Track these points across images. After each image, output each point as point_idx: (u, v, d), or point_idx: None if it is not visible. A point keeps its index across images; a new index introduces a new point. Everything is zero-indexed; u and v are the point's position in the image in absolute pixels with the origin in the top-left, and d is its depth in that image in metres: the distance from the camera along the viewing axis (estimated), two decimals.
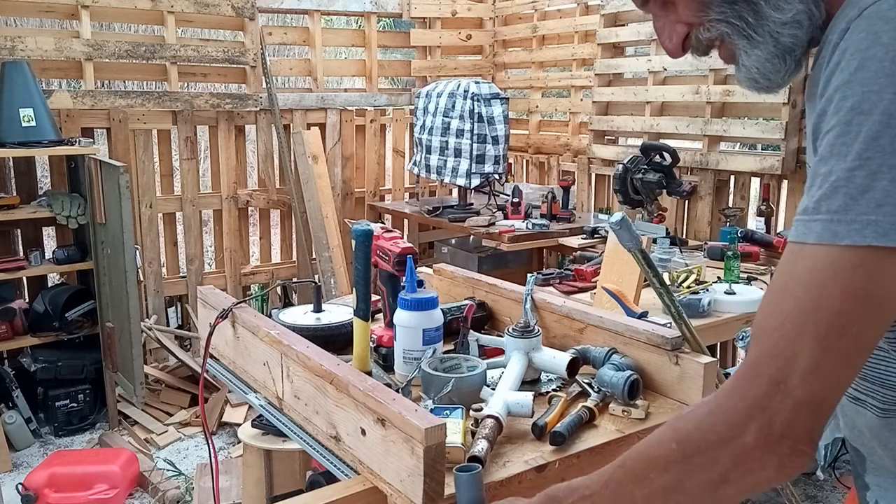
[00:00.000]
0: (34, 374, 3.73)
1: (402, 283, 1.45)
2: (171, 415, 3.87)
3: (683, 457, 0.80)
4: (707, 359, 1.28)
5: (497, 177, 4.29)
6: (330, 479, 1.28)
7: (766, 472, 0.77)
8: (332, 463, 1.22)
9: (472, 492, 0.97)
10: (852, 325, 0.74)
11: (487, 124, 4.17)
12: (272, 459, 2.41)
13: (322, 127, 4.82)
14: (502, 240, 3.83)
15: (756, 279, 2.98)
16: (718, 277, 2.85)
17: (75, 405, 3.76)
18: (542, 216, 4.06)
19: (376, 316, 1.59)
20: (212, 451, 1.55)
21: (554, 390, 1.36)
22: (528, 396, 1.20)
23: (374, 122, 5.05)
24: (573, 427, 1.18)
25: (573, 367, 1.34)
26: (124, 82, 6.73)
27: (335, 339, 1.55)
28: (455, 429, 1.11)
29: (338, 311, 1.68)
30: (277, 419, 1.40)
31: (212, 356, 1.63)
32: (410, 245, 1.49)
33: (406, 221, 5.21)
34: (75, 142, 3.71)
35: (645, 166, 3.40)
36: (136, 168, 4.23)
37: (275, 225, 5.08)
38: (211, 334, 1.54)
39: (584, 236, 3.81)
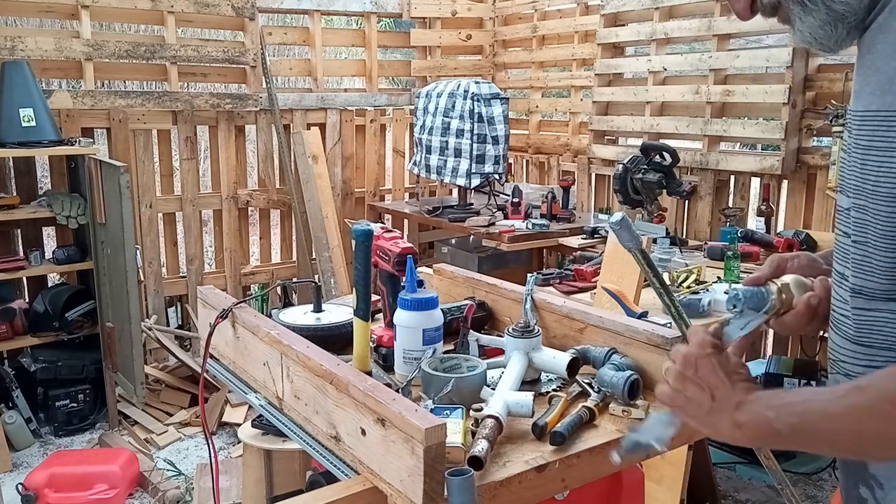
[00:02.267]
0: (34, 374, 3.73)
1: (402, 283, 1.45)
2: (171, 415, 3.87)
3: None
4: None
5: (497, 177, 4.29)
6: (330, 479, 1.28)
7: None
8: (332, 463, 1.22)
9: (465, 495, 0.98)
10: None
11: (487, 124, 4.17)
12: (272, 459, 2.41)
13: (322, 127, 4.82)
14: (502, 240, 3.83)
15: None
16: (718, 277, 2.85)
17: (75, 405, 3.76)
18: (542, 216, 4.06)
19: (376, 316, 1.59)
20: (212, 451, 1.55)
21: (554, 390, 1.36)
22: (528, 396, 1.20)
23: (374, 122, 5.05)
24: (573, 427, 1.18)
25: (573, 367, 1.34)
26: (124, 82, 6.73)
27: (335, 339, 1.55)
28: (455, 429, 1.11)
29: (338, 311, 1.68)
30: (277, 419, 1.40)
31: (212, 356, 1.63)
32: (410, 245, 1.49)
33: (406, 221, 5.21)
34: (75, 142, 3.71)
35: (645, 166, 3.40)
36: (136, 168, 4.23)
37: (275, 225, 5.08)
38: (211, 334, 1.54)
39: (584, 236, 3.81)
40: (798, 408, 0.87)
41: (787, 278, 1.03)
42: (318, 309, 1.68)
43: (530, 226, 3.92)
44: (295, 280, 4.81)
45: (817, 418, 0.86)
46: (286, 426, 1.36)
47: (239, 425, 3.25)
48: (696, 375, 0.94)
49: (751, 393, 0.91)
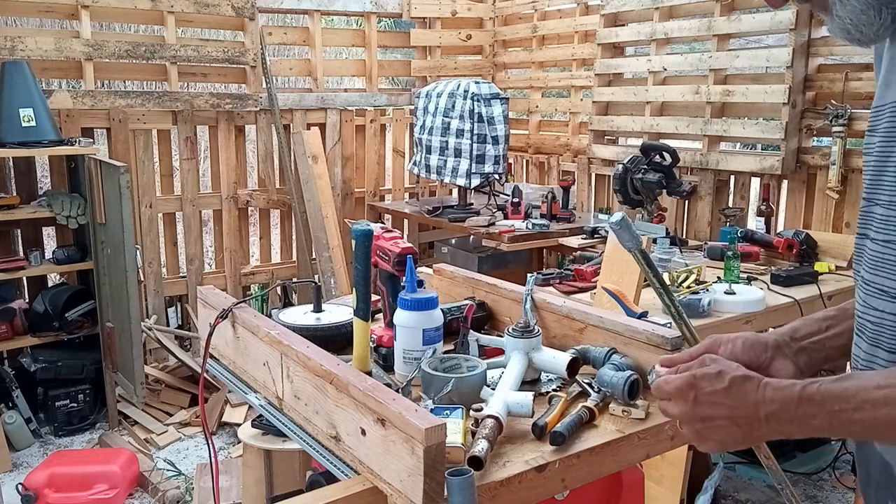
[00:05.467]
0: (34, 374, 3.73)
1: (402, 283, 1.45)
2: (171, 415, 3.87)
3: None
4: None
5: (497, 177, 4.29)
6: (330, 479, 1.28)
7: None
8: (332, 463, 1.22)
9: (465, 495, 0.98)
10: None
11: (487, 124, 4.17)
12: (272, 459, 2.41)
13: (322, 127, 4.82)
14: (502, 240, 3.83)
15: (756, 279, 2.98)
16: (718, 277, 2.85)
17: (75, 405, 3.76)
18: (542, 216, 4.06)
19: (376, 316, 1.59)
20: (212, 451, 1.55)
21: (554, 390, 1.36)
22: (528, 396, 1.20)
23: (374, 122, 5.05)
24: (573, 427, 1.18)
25: (573, 367, 1.34)
26: (124, 82, 6.73)
27: (335, 339, 1.55)
28: (455, 429, 1.11)
29: (338, 311, 1.68)
30: (277, 419, 1.39)
31: (212, 356, 1.63)
32: (410, 245, 1.49)
33: (406, 221, 5.21)
34: (75, 142, 3.71)
35: (645, 166, 3.40)
36: (136, 168, 4.23)
37: (275, 225, 5.08)
38: (211, 334, 1.54)
39: (584, 236, 3.81)
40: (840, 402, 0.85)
41: None
42: (318, 309, 1.68)
43: (530, 226, 3.92)
44: (295, 280, 4.81)
45: (857, 406, 0.84)
46: (286, 426, 1.36)
47: (239, 425, 3.25)
48: (705, 418, 0.91)
49: (766, 395, 0.88)
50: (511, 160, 5.05)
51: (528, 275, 1.75)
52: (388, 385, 1.30)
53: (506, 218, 4.14)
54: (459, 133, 4.26)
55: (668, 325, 1.62)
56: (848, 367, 1.02)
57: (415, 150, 4.82)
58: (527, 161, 5.22)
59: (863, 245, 0.95)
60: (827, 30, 0.96)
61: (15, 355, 3.82)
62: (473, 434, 1.14)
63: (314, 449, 1.27)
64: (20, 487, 2.99)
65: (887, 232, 0.89)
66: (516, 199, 4.16)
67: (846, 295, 2.80)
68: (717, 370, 0.91)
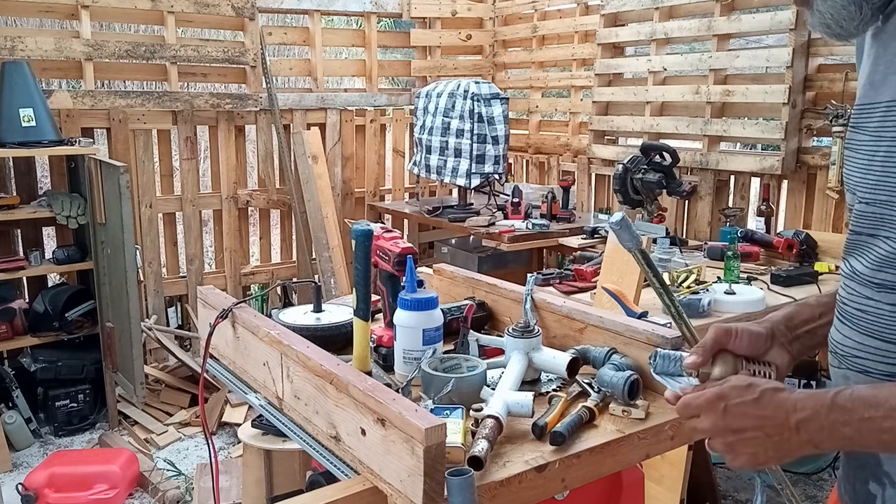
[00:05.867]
0: (34, 374, 3.73)
1: (402, 283, 1.45)
2: (171, 415, 3.87)
3: None
4: None
5: (497, 177, 4.29)
6: (330, 479, 1.28)
7: None
8: (332, 463, 1.22)
9: (465, 495, 0.98)
10: None
11: (487, 124, 4.17)
12: (272, 459, 2.41)
13: (322, 127, 4.82)
14: (502, 240, 3.83)
15: (756, 279, 2.98)
16: (718, 277, 2.85)
17: (75, 405, 3.76)
18: (542, 216, 4.06)
19: (376, 316, 1.59)
20: (212, 451, 1.55)
21: (554, 390, 1.36)
22: (528, 396, 1.20)
23: (374, 122, 5.05)
24: (573, 427, 1.18)
25: (573, 367, 1.34)
26: (124, 82, 6.73)
27: (335, 339, 1.55)
28: (455, 429, 1.11)
29: (338, 311, 1.68)
30: (277, 419, 1.39)
31: (212, 356, 1.63)
32: (410, 245, 1.49)
33: (406, 221, 5.21)
34: (75, 142, 3.71)
35: (645, 166, 3.40)
36: (136, 168, 4.23)
37: (275, 225, 5.08)
38: (211, 334, 1.54)
39: (584, 236, 3.81)
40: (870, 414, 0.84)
41: (718, 365, 1.01)
42: (318, 309, 1.68)
43: (530, 226, 3.92)
44: (295, 280, 4.81)
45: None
46: (286, 426, 1.36)
47: (239, 425, 3.25)
48: (735, 430, 0.90)
49: (797, 403, 0.87)
50: (511, 160, 5.05)
51: (528, 275, 1.75)
52: (388, 385, 1.30)
53: (506, 218, 4.14)
54: (459, 133, 4.26)
55: (668, 325, 1.62)
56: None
57: (415, 150, 4.82)
58: (527, 161, 5.22)
59: (856, 240, 0.95)
60: (807, 24, 0.96)
61: (15, 355, 3.82)
62: (473, 434, 1.14)
63: (314, 449, 1.27)
64: (20, 487, 3.00)
65: (889, 228, 0.90)
66: (516, 199, 4.16)
67: None
68: (748, 382, 0.91)
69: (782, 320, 1.07)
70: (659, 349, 1.06)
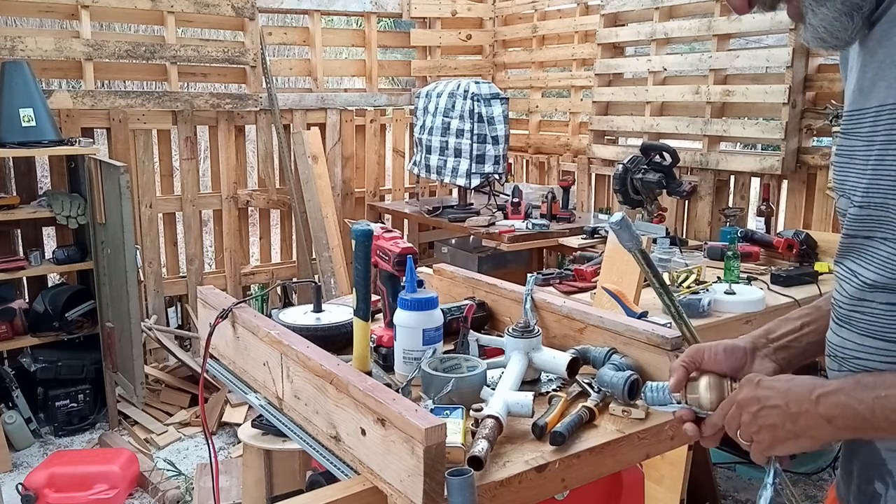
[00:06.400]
0: (34, 374, 3.73)
1: (402, 283, 1.45)
2: (171, 415, 3.87)
3: None
4: None
5: (497, 177, 4.29)
6: (330, 479, 1.28)
7: None
8: (332, 463, 1.22)
9: (465, 495, 0.98)
10: None
11: (487, 124, 4.17)
12: (272, 459, 2.41)
13: (322, 127, 4.82)
14: (502, 240, 3.83)
15: (756, 279, 2.98)
16: (718, 277, 2.85)
17: (75, 405, 3.76)
18: (542, 216, 4.06)
19: (376, 316, 1.59)
20: (212, 451, 1.55)
21: (554, 390, 1.36)
22: (528, 396, 1.20)
23: (374, 122, 5.05)
24: (573, 427, 1.18)
25: (573, 367, 1.34)
26: (124, 82, 6.73)
27: (335, 339, 1.55)
28: (455, 429, 1.11)
29: (338, 311, 1.68)
30: (277, 419, 1.39)
31: (212, 356, 1.63)
32: (410, 245, 1.49)
33: (406, 221, 5.21)
34: (75, 142, 3.71)
35: (645, 166, 3.40)
36: (136, 168, 4.23)
37: (275, 225, 5.08)
38: (211, 334, 1.54)
39: (584, 236, 3.81)
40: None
41: (701, 384, 1.04)
42: (318, 309, 1.68)
43: (530, 226, 3.92)
44: (295, 280, 4.81)
45: None
46: (286, 426, 1.36)
47: (239, 425, 3.25)
48: (763, 403, 0.94)
49: (823, 381, 0.91)
50: (511, 160, 5.05)
51: (528, 275, 1.75)
52: (388, 385, 1.30)
53: (506, 218, 4.14)
54: (459, 133, 4.26)
55: (668, 325, 1.62)
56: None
57: (415, 150, 4.82)
58: (527, 161, 5.22)
59: (850, 243, 0.96)
60: (801, 39, 0.97)
61: (15, 355, 3.82)
62: (473, 434, 1.14)
63: (314, 449, 1.27)
64: (20, 487, 2.99)
65: (885, 230, 0.91)
66: (516, 199, 4.16)
67: None
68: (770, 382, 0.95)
69: (762, 333, 1.09)
70: (649, 382, 1.11)
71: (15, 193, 3.88)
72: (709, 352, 1.06)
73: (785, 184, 3.72)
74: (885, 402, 0.86)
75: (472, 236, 4.22)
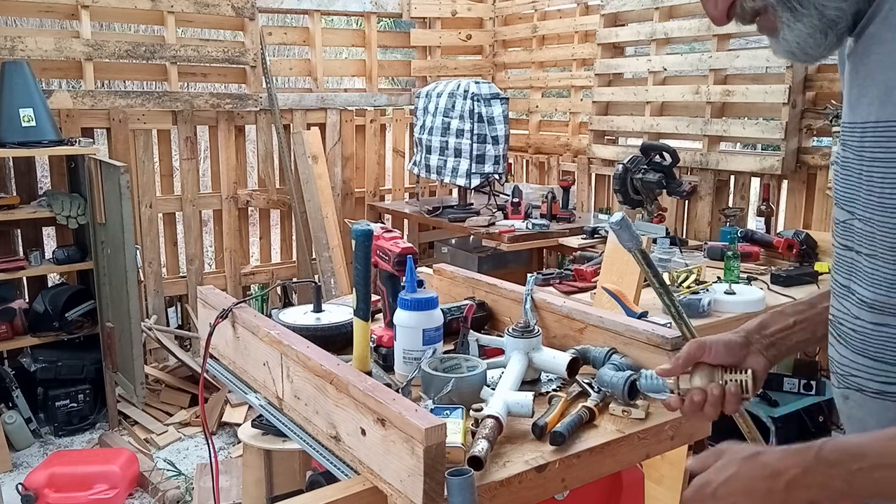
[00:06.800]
0: (34, 374, 3.73)
1: (402, 283, 1.45)
2: (171, 415, 3.87)
3: None
4: None
5: (497, 177, 4.29)
6: (330, 479, 1.28)
7: None
8: (332, 463, 1.22)
9: (465, 495, 0.98)
10: None
11: (487, 124, 4.17)
12: (272, 459, 2.41)
13: (322, 127, 4.82)
14: (502, 240, 3.83)
15: (756, 279, 2.98)
16: (718, 277, 2.85)
17: (75, 405, 3.76)
18: (542, 216, 4.06)
19: (376, 316, 1.59)
20: (212, 451, 1.55)
21: (554, 390, 1.36)
22: (528, 396, 1.20)
23: (374, 122, 5.05)
24: (573, 427, 1.18)
25: (573, 367, 1.34)
26: (124, 82, 6.73)
27: (335, 339, 1.55)
28: (455, 429, 1.11)
29: (338, 311, 1.68)
30: (277, 419, 1.39)
31: (212, 356, 1.63)
32: (410, 245, 1.49)
33: (406, 221, 5.21)
34: (75, 142, 3.71)
35: (645, 166, 3.40)
36: (136, 168, 4.23)
37: (275, 225, 5.08)
38: (211, 334, 1.54)
39: (584, 236, 3.81)
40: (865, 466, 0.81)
41: (695, 373, 1.07)
42: (318, 309, 1.68)
43: (530, 226, 3.92)
44: (295, 280, 4.81)
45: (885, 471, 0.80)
46: (286, 426, 1.36)
47: (239, 425, 3.25)
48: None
49: (784, 463, 0.85)
50: (511, 160, 5.05)
51: (528, 275, 1.75)
52: (388, 385, 1.30)
53: (506, 218, 4.14)
54: (459, 133, 4.26)
55: (668, 325, 1.62)
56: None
57: (415, 150, 4.82)
58: (527, 161, 5.22)
59: (843, 256, 0.97)
60: (772, 51, 0.97)
61: (15, 355, 3.82)
62: (473, 434, 1.14)
63: (314, 449, 1.27)
64: (20, 487, 3.00)
65: (872, 246, 0.90)
66: (516, 199, 4.16)
67: None
68: (725, 462, 0.90)
69: (756, 328, 1.10)
70: (643, 370, 1.15)
71: (15, 193, 3.88)
72: (709, 346, 1.07)
73: (785, 184, 3.72)
74: (861, 477, 0.81)
75: (472, 236, 4.22)
